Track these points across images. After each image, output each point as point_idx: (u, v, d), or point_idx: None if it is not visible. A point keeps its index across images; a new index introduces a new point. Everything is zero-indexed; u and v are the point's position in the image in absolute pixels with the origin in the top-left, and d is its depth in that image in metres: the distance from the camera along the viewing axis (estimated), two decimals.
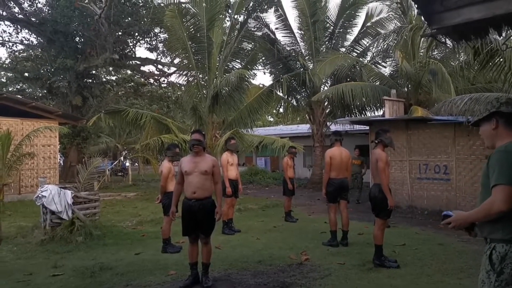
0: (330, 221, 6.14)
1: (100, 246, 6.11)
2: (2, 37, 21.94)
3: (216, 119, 14.27)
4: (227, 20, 17.05)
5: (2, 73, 23.61)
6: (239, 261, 5.23)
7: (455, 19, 3.17)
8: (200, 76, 14.48)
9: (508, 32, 3.99)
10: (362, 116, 15.26)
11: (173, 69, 22.24)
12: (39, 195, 6.41)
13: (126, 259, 5.42)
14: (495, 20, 3.13)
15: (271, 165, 22.72)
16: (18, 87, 23.09)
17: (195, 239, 4.41)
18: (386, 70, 16.24)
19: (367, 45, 16.75)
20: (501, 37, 5.36)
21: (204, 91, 14.62)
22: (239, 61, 15.59)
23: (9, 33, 22.89)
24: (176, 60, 18.56)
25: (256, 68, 18.17)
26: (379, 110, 15.02)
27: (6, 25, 20.94)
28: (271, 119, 41.51)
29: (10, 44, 21.33)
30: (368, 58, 16.78)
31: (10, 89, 22.48)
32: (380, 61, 16.44)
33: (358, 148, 11.91)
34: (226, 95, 14.00)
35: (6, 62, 22.57)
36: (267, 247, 5.99)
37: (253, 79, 28.23)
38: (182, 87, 21.33)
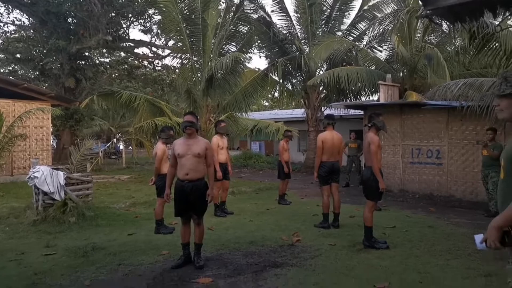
0: (323, 204, 6.19)
1: (92, 227, 6.13)
2: None
3: (211, 102, 14.19)
4: (222, 2, 16.80)
5: None
6: (231, 241, 5.28)
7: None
8: (195, 59, 14.33)
9: (503, 14, 3.97)
10: (357, 100, 15.23)
11: (167, 51, 22.02)
12: (31, 176, 6.38)
13: (119, 239, 5.45)
14: (489, 1, 3.10)
15: (266, 149, 22.75)
16: (10, 68, 22.75)
17: (187, 220, 4.43)
18: (382, 55, 16.18)
19: (364, 29, 16.62)
20: (496, 20, 5.33)
21: (199, 74, 14.49)
22: (234, 44, 15.40)
23: (0, 13, 22.25)
24: (171, 43, 18.37)
25: (252, 51, 18.00)
26: (374, 95, 15.01)
27: None
28: (266, 104, 41.37)
29: (2, 24, 20.93)
30: (364, 42, 16.67)
31: (1, 71, 22.16)
32: (376, 46, 16.33)
33: (354, 132, 11.93)
34: (221, 79, 13.88)
35: None
36: (259, 229, 6.04)
37: (249, 62, 28.09)
38: (177, 70, 21.15)
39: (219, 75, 13.71)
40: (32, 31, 20.34)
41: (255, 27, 15.71)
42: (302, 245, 5.12)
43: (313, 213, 7.13)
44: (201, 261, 4.34)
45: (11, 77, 17.83)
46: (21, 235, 5.74)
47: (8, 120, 10.62)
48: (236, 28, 15.00)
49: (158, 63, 23.13)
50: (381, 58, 15.45)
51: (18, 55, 20.27)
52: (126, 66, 22.15)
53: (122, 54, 23.40)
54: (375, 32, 15.05)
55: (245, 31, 15.55)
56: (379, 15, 15.24)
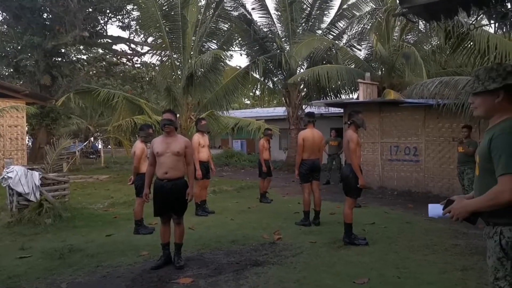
0: (304, 201, 6.22)
1: (70, 228, 5.98)
2: None
3: (191, 100, 14.05)
4: None
5: None
6: (213, 241, 5.25)
7: None
8: (175, 56, 14.15)
9: (477, 13, 4.06)
10: (337, 99, 15.40)
11: (146, 48, 21.69)
12: (5, 176, 6.17)
13: (97, 240, 5.34)
14: (463, 0, 3.17)
15: (247, 147, 22.74)
16: None
17: (167, 220, 4.37)
18: (361, 53, 16.41)
19: (343, 27, 16.80)
20: (469, 19, 5.47)
21: (179, 72, 14.32)
22: (215, 42, 15.29)
23: None
24: (150, 39, 18.06)
25: (232, 49, 17.95)
26: (353, 93, 15.20)
27: None
28: (248, 102, 41.35)
29: None
30: (344, 41, 16.85)
31: None
32: (355, 44, 16.54)
33: (334, 129, 12.05)
34: (201, 76, 13.76)
35: None
36: (241, 228, 6.03)
37: (229, 60, 27.92)
38: (156, 67, 20.85)
39: (199, 72, 13.59)
40: (5, 26, 19.65)
41: (236, 24, 15.65)
42: (283, 243, 5.13)
43: (294, 211, 7.17)
44: (182, 261, 4.29)
45: None
46: None
47: None
48: (217, 25, 14.91)
49: (137, 60, 22.74)
50: (360, 57, 15.66)
51: None
52: (104, 63, 21.66)
53: (100, 50, 22.87)
54: (354, 30, 15.25)
55: (226, 29, 15.48)
56: (358, 14, 15.43)
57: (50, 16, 18.26)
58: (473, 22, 6.50)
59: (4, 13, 18.82)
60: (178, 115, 13.81)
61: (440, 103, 8.11)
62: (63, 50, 19.42)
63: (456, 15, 3.44)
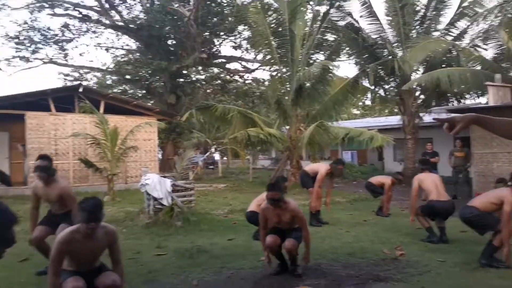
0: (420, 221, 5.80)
1: (196, 231, 6.55)
2: (106, 43, 24.42)
3: (300, 112, 14.25)
4: (309, 12, 16.87)
5: (108, 76, 26.43)
6: (329, 252, 5.19)
7: None
8: (284, 70, 14.58)
9: None
10: (461, 104, 13.94)
11: (256, 64, 22.78)
12: (143, 183, 7.08)
13: (220, 243, 5.73)
14: None
15: (358, 158, 21.97)
16: (121, 88, 25.67)
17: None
18: (488, 53, 14.62)
19: (465, 27, 15.23)
20: None
21: (288, 85, 14.69)
22: (322, 53, 15.34)
23: (111, 39, 25.38)
24: (260, 56, 18.95)
25: (340, 59, 17.70)
26: (481, 97, 13.62)
27: (109, 32, 23.36)
28: (357, 112, 40.06)
29: (114, 49, 23.84)
30: (466, 41, 15.24)
31: (114, 90, 25.07)
32: (480, 44, 14.82)
33: (460, 139, 10.84)
34: (309, 88, 13.89)
35: (111, 66, 25.26)
36: (357, 240, 5.84)
37: (337, 70, 27.55)
38: (266, 82, 21.74)
39: (307, 84, 13.74)
40: (138, 54, 22.79)
41: (343, 34, 15.44)
42: (407, 260, 4.81)
43: (417, 226, 6.66)
44: (299, 269, 4.33)
45: (123, 96, 20.09)
46: (136, 236, 6.37)
47: (122, 134, 11.93)
48: (324, 36, 14.94)
49: (248, 76, 24.06)
50: (487, 57, 13.97)
51: (127, 76, 22.83)
52: (219, 81, 23.46)
53: (216, 70, 24.83)
54: (479, 29, 13.70)
55: (333, 39, 15.39)
56: (480, 11, 13.83)
57: (174, 42, 20.57)
58: None
59: (137, 42, 21.83)
60: (288, 127, 14.28)
61: None
62: (185, 72, 21.64)
63: None
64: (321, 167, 7.24)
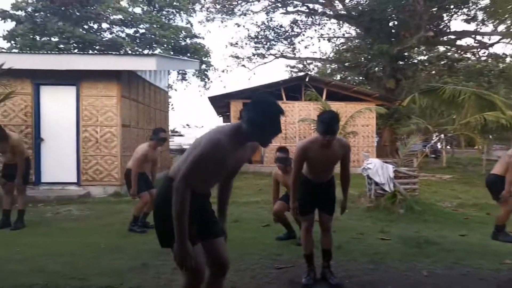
0: None
1: (420, 221, 6.23)
2: (328, 34, 25.61)
3: None
4: None
5: (328, 65, 27.78)
6: None
7: None
8: None
9: None
10: None
11: (495, 38, 19.22)
12: (365, 167, 7.22)
13: (450, 237, 5.28)
14: None
15: None
16: (340, 75, 26.57)
17: None
18: None
19: None
20: None
21: None
22: None
23: (333, 29, 26.45)
24: (501, 27, 15.85)
25: None
26: None
27: (331, 23, 24.37)
28: None
29: (335, 39, 24.80)
30: None
31: (334, 78, 26.24)
32: None
33: None
34: None
35: (331, 55, 26.42)
36: None
37: None
38: (508, 57, 18.08)
39: None
40: (357, 40, 22.93)
41: None
42: None
43: None
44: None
45: (343, 83, 20.78)
46: (358, 218, 6.57)
47: (342, 120, 12.37)
48: None
49: (484, 52, 20.60)
50: None
51: (346, 64, 23.39)
52: (446, 60, 21.03)
53: (441, 49, 22.38)
54: None
55: None
56: None
57: (396, 23, 19.63)
58: None
59: (357, 29, 21.96)
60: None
61: None
62: (406, 54, 20.45)
63: None
64: None
